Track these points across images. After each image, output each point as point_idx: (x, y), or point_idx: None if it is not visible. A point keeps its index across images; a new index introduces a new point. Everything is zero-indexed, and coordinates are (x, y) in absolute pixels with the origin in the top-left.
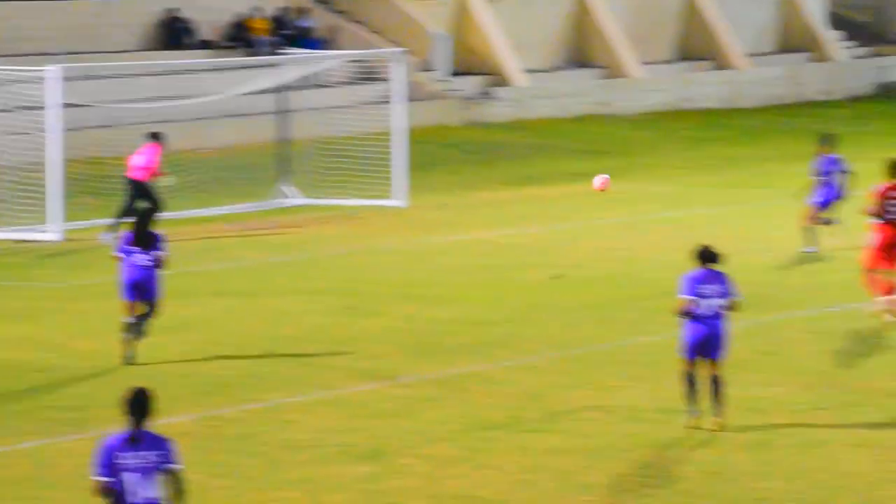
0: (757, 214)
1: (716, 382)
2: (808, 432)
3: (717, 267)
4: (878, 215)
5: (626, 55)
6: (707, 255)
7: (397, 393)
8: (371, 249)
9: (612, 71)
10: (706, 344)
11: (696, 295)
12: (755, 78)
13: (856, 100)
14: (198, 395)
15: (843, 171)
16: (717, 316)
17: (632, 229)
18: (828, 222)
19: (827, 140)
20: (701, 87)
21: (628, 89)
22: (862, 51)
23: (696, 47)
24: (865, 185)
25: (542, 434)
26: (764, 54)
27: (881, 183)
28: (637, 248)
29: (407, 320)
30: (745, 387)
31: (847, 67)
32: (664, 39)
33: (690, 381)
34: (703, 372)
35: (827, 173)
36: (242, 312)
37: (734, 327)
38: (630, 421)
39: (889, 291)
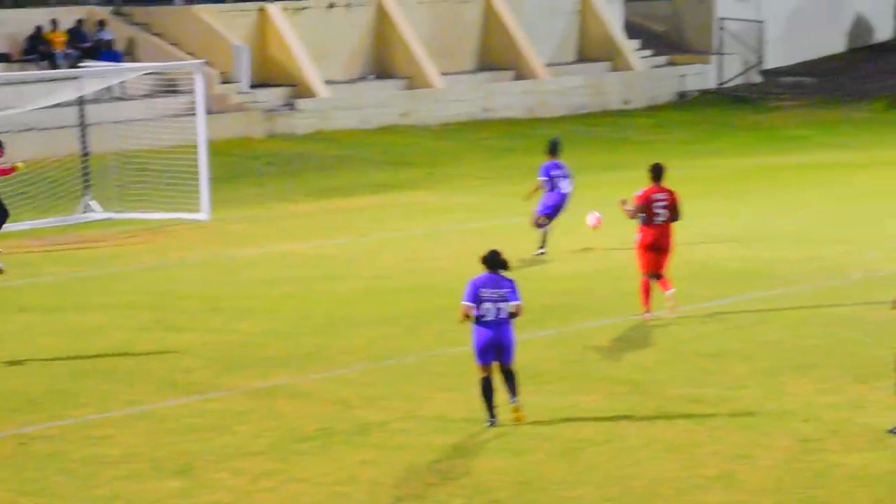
0: (560, 224)
1: (508, 376)
2: (617, 439)
3: (503, 272)
4: (644, 218)
5: (428, 66)
6: (493, 260)
7: (208, 407)
8: (178, 263)
9: (414, 82)
10: (495, 348)
11: (480, 299)
12: (556, 88)
13: (656, 108)
14: (4, 412)
15: (567, 177)
16: (502, 320)
17: (437, 240)
18: (542, 225)
19: (552, 145)
20: (502, 98)
21: (430, 100)
22: (660, 59)
23: (497, 58)
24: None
25: (353, 446)
26: (564, 64)
27: (643, 187)
28: (443, 259)
29: (216, 334)
30: (553, 396)
31: (646, 76)
32: (465, 50)
33: (487, 387)
34: (497, 375)
35: (551, 178)
36: (49, 328)
37: (542, 337)
38: (440, 431)
39: (648, 291)
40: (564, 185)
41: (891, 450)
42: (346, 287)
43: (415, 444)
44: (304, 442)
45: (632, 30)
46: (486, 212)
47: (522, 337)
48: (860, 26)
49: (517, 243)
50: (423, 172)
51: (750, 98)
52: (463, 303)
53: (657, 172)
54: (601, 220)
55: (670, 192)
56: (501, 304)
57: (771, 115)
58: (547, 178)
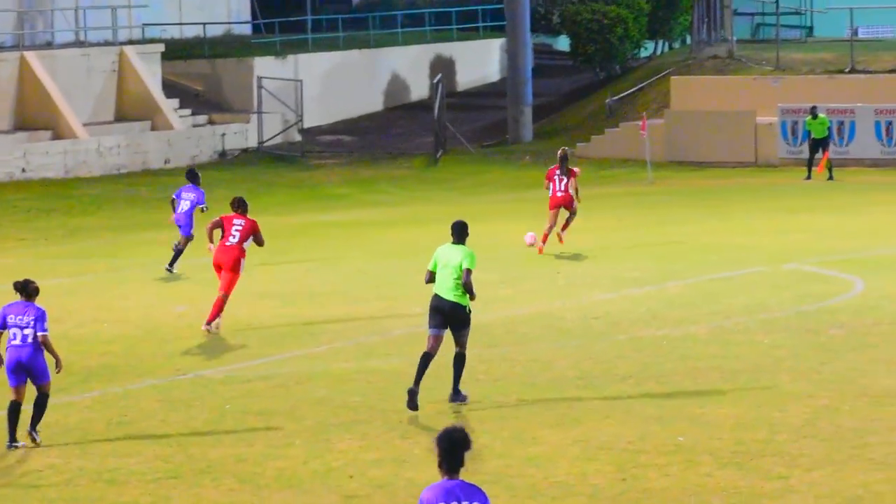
0: (105, 284)
1: (38, 403)
2: (162, 501)
3: (32, 299)
4: (220, 235)
5: None
6: (23, 287)
7: None
8: None
9: None
10: (23, 370)
11: (6, 325)
12: (95, 147)
13: (198, 167)
14: None
15: (189, 199)
16: (29, 345)
17: None
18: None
19: (189, 172)
20: (40, 158)
21: None
22: (200, 118)
23: (33, 117)
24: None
25: None
26: (103, 123)
27: (226, 214)
28: None
29: None
30: (96, 458)
31: (186, 135)
32: (0, 110)
33: (13, 411)
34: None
35: (179, 199)
36: None
37: (86, 398)
38: None
39: (220, 308)
40: (184, 205)
41: None
42: None
43: None
44: None
45: (170, 89)
46: (26, 273)
47: (66, 399)
48: (397, 85)
49: (65, 304)
50: None
51: (290, 156)
52: None
53: (239, 203)
54: (535, 237)
55: (250, 222)
56: (27, 331)
57: (312, 173)
58: (176, 198)
